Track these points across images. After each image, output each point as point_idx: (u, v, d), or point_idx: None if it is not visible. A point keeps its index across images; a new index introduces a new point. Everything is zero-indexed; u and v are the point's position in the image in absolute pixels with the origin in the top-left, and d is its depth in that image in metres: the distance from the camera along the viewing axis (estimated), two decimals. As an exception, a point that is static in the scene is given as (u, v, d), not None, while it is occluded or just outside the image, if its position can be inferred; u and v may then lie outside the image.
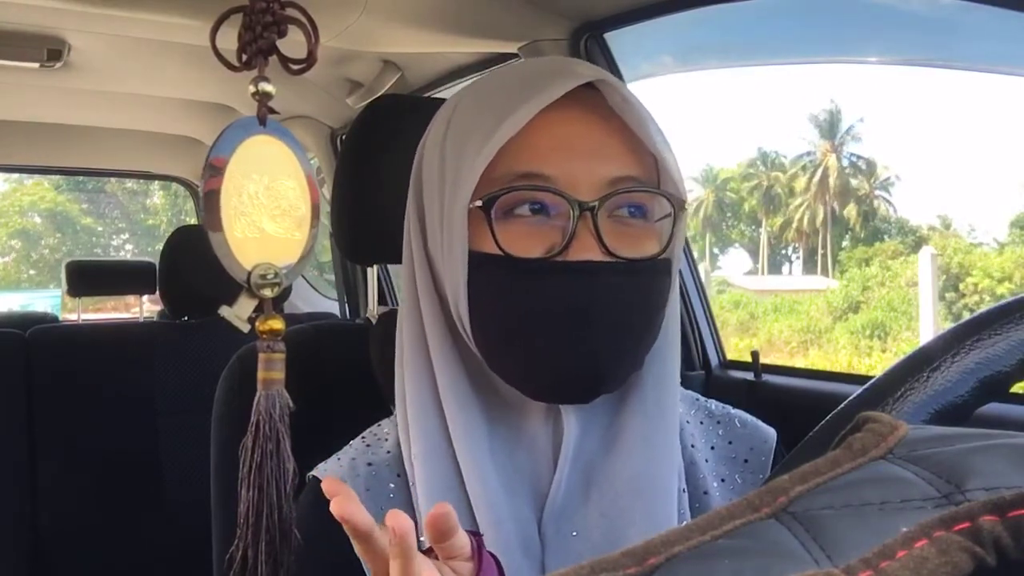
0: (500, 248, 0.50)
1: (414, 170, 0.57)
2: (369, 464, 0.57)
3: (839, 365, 14.98)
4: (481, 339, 0.53)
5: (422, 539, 0.52)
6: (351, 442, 0.61)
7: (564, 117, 0.50)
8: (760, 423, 0.61)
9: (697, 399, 0.62)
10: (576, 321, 0.50)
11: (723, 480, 0.57)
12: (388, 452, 0.58)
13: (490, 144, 0.49)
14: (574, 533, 0.51)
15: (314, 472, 0.58)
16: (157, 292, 1.91)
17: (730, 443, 0.59)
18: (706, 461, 0.58)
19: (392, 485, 0.56)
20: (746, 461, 0.58)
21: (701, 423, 0.60)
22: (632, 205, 0.52)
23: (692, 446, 0.58)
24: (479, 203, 0.50)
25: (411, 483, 0.54)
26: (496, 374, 0.53)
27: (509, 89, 0.52)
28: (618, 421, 0.53)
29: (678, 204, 0.52)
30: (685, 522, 0.53)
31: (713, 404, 0.62)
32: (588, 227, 0.49)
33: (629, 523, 0.50)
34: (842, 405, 0.37)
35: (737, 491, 0.57)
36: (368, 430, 0.62)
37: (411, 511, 0.54)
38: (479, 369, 0.54)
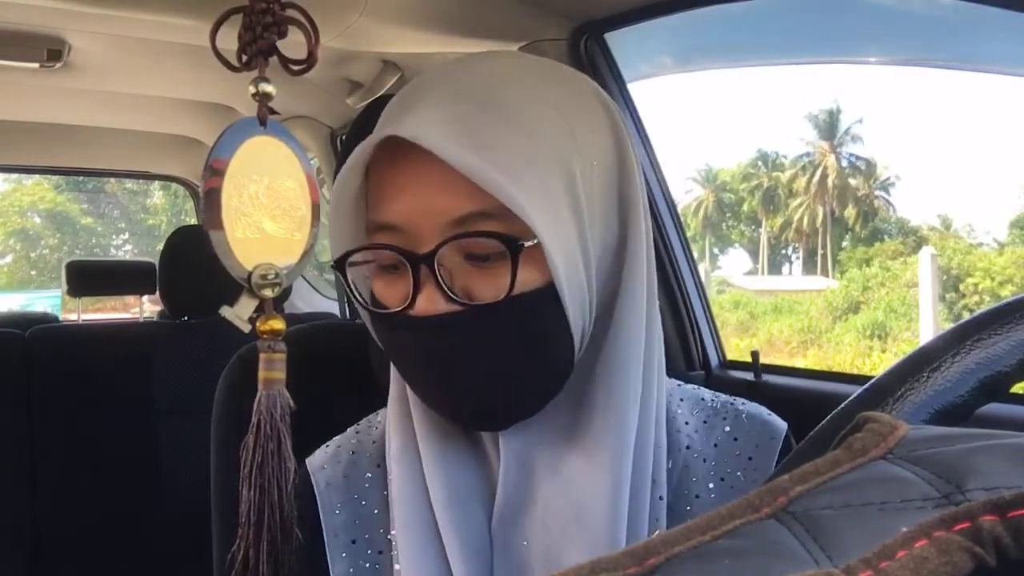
0: (360, 301, 0.52)
1: None
2: (352, 453, 0.60)
3: (841, 366, 14.97)
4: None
5: (392, 532, 0.54)
6: (347, 430, 0.63)
7: (406, 160, 0.48)
8: (769, 417, 0.59)
9: (702, 399, 0.60)
10: (433, 372, 0.50)
11: (723, 479, 0.56)
12: (374, 442, 0.60)
13: (331, 206, 0.51)
14: (524, 542, 0.51)
15: (308, 459, 0.61)
16: (157, 292, 1.91)
17: (735, 440, 0.57)
18: (704, 461, 0.56)
19: (369, 475, 0.58)
20: (750, 458, 0.56)
21: (704, 422, 0.58)
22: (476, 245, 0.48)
23: (687, 447, 0.57)
24: (332, 263, 0.52)
25: (388, 476, 0.56)
26: None
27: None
28: (561, 433, 0.52)
29: (513, 246, 0.47)
30: (658, 531, 0.53)
31: (720, 401, 0.60)
32: (431, 277, 0.47)
33: (569, 540, 0.50)
34: (842, 405, 0.37)
35: (738, 488, 0.55)
36: (366, 418, 0.64)
37: (384, 502, 0.56)
38: None
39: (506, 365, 0.49)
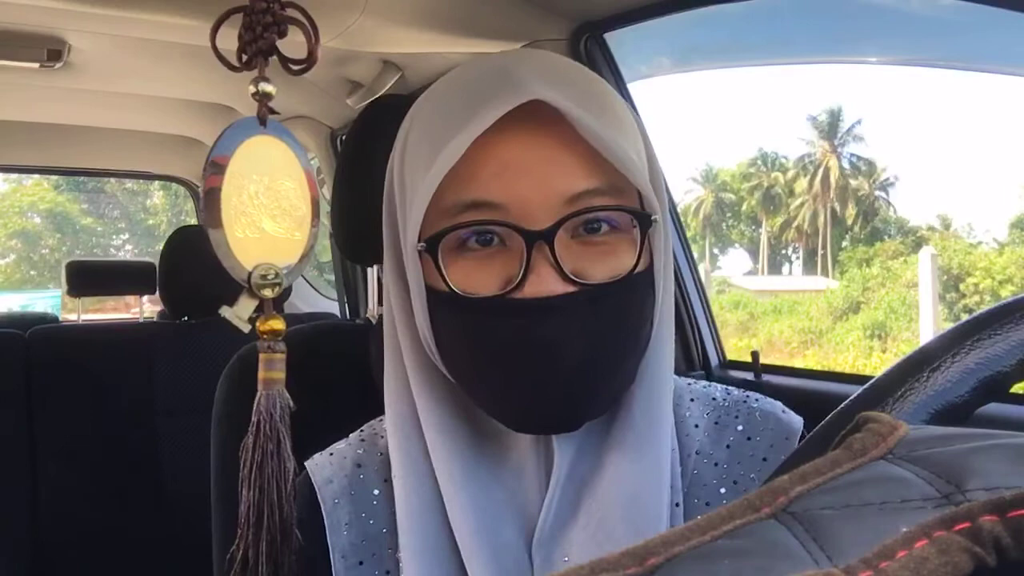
0: (450, 287, 0.47)
1: (386, 188, 0.54)
2: (359, 466, 0.56)
3: (843, 366, 14.96)
4: (452, 373, 0.50)
5: (399, 554, 0.51)
6: (350, 435, 0.60)
7: (507, 136, 0.45)
8: (784, 415, 0.55)
9: (714, 398, 0.57)
10: (542, 359, 0.45)
11: (735, 483, 0.53)
12: (381, 454, 0.56)
13: (428, 180, 0.45)
14: (565, 559, 0.48)
15: (307, 463, 0.58)
16: (157, 292, 1.91)
17: (749, 439, 0.54)
18: (715, 465, 0.54)
19: (377, 491, 0.55)
20: (764, 459, 0.53)
21: (716, 423, 0.55)
22: (595, 221, 0.46)
23: (697, 452, 0.54)
24: (423, 245, 0.47)
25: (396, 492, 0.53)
26: (475, 404, 0.51)
27: (450, 111, 0.47)
28: (608, 438, 0.50)
29: (643, 219, 0.47)
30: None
31: (732, 399, 0.57)
32: (545, 256, 0.45)
33: (617, 545, 0.48)
34: (842, 405, 0.37)
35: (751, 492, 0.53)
36: (369, 424, 0.60)
37: (392, 520, 0.52)
38: (460, 394, 0.51)
39: (611, 352, 0.47)
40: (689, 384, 0.59)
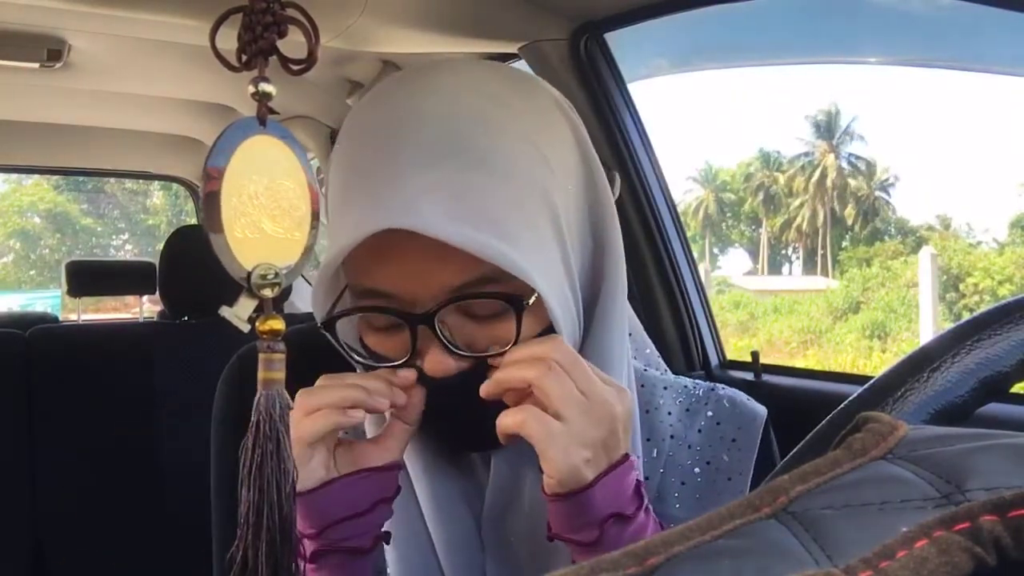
0: (360, 357, 0.53)
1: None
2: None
3: (842, 366, 14.96)
4: None
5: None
6: None
7: (394, 230, 0.46)
8: (749, 402, 0.61)
9: (685, 386, 0.62)
10: (443, 418, 0.52)
11: (708, 463, 0.58)
12: None
13: (325, 265, 0.49)
14: (512, 539, 0.54)
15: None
16: (157, 292, 1.91)
17: (718, 423, 0.59)
18: (688, 448, 0.59)
19: None
20: (734, 440, 0.58)
21: (687, 410, 0.61)
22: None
23: (672, 437, 0.59)
24: (320, 324, 0.52)
25: None
26: None
27: (346, 202, 0.50)
28: None
29: (515, 303, 0.48)
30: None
31: (702, 388, 0.62)
32: (433, 337, 0.48)
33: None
34: (842, 405, 0.37)
35: (723, 470, 0.58)
36: None
37: None
38: None
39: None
40: (662, 374, 0.64)
